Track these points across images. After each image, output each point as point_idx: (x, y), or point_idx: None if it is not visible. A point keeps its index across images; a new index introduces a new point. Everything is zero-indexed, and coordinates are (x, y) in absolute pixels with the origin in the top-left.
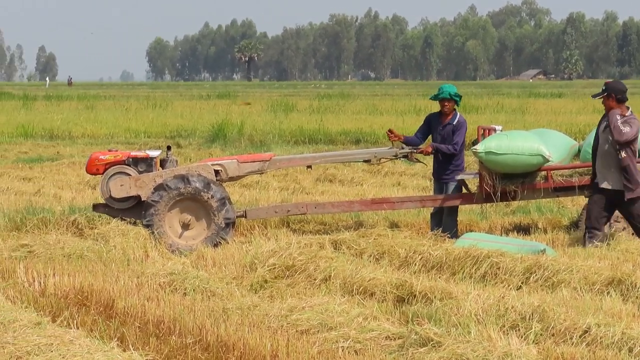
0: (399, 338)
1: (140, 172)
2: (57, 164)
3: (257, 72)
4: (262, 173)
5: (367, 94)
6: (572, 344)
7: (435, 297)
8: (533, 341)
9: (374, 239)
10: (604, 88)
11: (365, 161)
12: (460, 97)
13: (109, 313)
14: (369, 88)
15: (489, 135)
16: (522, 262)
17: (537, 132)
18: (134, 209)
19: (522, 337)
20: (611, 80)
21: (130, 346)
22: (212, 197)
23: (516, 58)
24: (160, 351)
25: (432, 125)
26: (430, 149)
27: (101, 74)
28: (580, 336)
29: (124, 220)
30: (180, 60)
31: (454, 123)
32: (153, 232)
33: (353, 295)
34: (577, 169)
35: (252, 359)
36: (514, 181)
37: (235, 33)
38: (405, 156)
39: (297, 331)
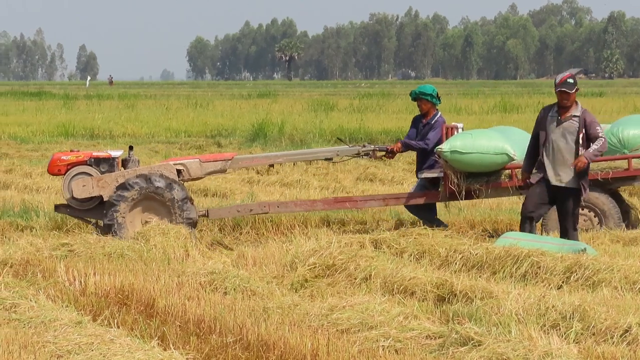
0: (439, 337)
1: (102, 173)
2: None
3: (298, 72)
4: (225, 172)
5: (407, 93)
6: (612, 344)
7: (475, 296)
8: (573, 340)
9: (414, 238)
10: (572, 82)
11: (326, 159)
12: (432, 96)
13: (150, 312)
14: (409, 87)
15: (452, 134)
16: (562, 262)
17: (499, 130)
18: (96, 210)
19: (562, 336)
20: (569, 74)
21: (171, 345)
22: (174, 196)
23: (557, 57)
24: (200, 350)
25: (416, 124)
26: (400, 145)
27: (142, 73)
28: (620, 335)
29: (87, 221)
30: (220, 59)
31: (432, 122)
32: (114, 232)
33: (393, 295)
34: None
35: (292, 358)
36: (478, 180)
37: (276, 32)
38: (368, 154)
39: (337, 330)
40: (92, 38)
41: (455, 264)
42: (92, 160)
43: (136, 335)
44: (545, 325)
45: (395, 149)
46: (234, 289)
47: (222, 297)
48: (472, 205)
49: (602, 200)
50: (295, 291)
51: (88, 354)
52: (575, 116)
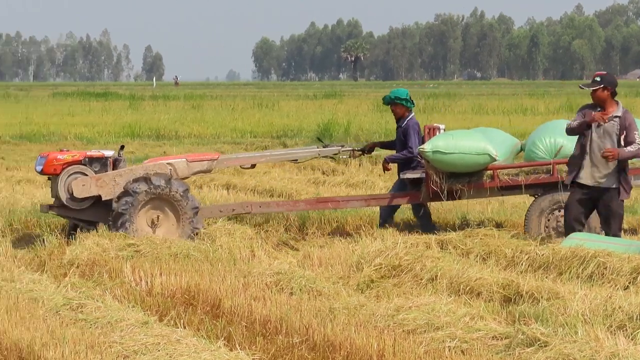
0: (505, 338)
1: (95, 172)
2: None
3: (363, 72)
4: (210, 172)
5: (473, 93)
6: None
7: (542, 297)
8: None
9: (480, 238)
10: (598, 80)
11: (292, 161)
12: (404, 99)
13: (216, 312)
14: (475, 87)
15: (433, 134)
16: (629, 262)
17: (479, 131)
18: (89, 210)
19: (629, 337)
20: (604, 72)
21: (237, 346)
22: (177, 191)
23: (623, 57)
24: (266, 351)
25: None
26: (387, 166)
27: (207, 74)
28: None
29: (80, 221)
30: (286, 59)
31: (403, 125)
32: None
33: (460, 295)
34: (522, 168)
35: (358, 359)
36: (460, 180)
37: (342, 33)
38: (348, 154)
39: (403, 331)
40: (158, 39)
41: (522, 264)
42: (87, 159)
43: (202, 335)
44: (611, 326)
45: (384, 169)
46: (300, 290)
47: (288, 297)
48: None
49: None
50: (362, 292)
51: (154, 354)
52: (616, 117)
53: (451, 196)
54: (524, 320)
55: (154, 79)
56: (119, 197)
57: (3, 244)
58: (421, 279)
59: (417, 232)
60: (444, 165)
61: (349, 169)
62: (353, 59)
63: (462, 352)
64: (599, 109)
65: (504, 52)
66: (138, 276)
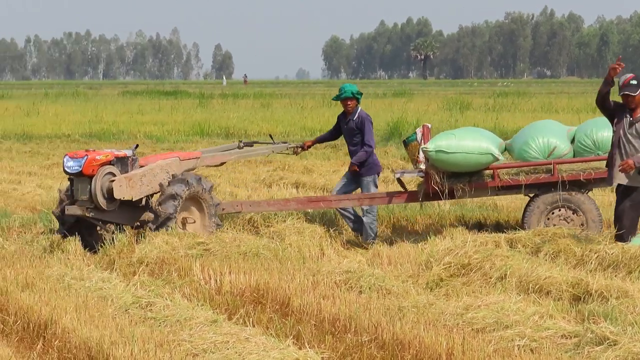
0: (574, 337)
1: (120, 172)
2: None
3: (433, 71)
4: (194, 169)
5: (543, 91)
6: None
7: (611, 295)
8: None
9: (550, 237)
10: (635, 83)
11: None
12: (361, 94)
13: (285, 311)
14: (544, 86)
15: (428, 133)
16: None
17: (467, 130)
18: (116, 211)
19: None
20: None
21: (306, 344)
22: (205, 189)
23: None
24: (335, 349)
25: (339, 122)
26: (355, 168)
27: (277, 72)
28: None
29: (105, 223)
30: (356, 58)
31: (355, 119)
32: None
33: (529, 294)
34: (522, 168)
35: (427, 357)
36: (461, 180)
37: (411, 31)
38: (294, 150)
39: (472, 329)
40: (228, 37)
41: (591, 263)
42: (115, 159)
43: (271, 334)
44: None
45: (352, 170)
46: (369, 288)
47: (357, 296)
48: (609, 204)
49: (583, 201)
50: (431, 290)
51: (223, 352)
52: None
53: (451, 195)
54: (593, 319)
55: (224, 77)
56: (163, 201)
57: (72, 242)
58: (490, 278)
59: (486, 231)
60: (446, 164)
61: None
62: (422, 57)
63: (531, 350)
64: (627, 110)
65: (573, 50)
66: (207, 274)
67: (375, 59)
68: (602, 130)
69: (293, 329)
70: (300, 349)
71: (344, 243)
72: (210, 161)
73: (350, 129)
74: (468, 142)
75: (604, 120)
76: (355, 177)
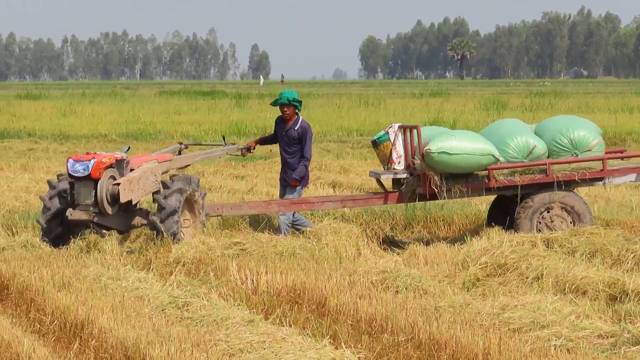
0: (611, 337)
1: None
2: (269, 161)
3: (470, 70)
4: (167, 172)
5: (580, 91)
6: None
7: None
8: None
9: (586, 237)
10: None
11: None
12: (300, 102)
13: (321, 311)
14: (581, 86)
15: (412, 135)
16: None
17: (464, 131)
18: (114, 216)
19: None
20: None
21: (343, 344)
22: (200, 192)
23: None
24: (372, 349)
25: (276, 128)
26: (296, 182)
27: (314, 72)
28: None
29: (103, 228)
30: (392, 58)
31: (296, 128)
32: (177, 240)
33: (565, 294)
34: (517, 169)
35: (464, 357)
36: (458, 180)
37: (448, 31)
38: (241, 152)
39: (509, 329)
40: (265, 37)
41: (628, 263)
42: (116, 162)
43: (308, 334)
44: None
45: (293, 185)
46: (406, 288)
47: (393, 295)
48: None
49: (575, 201)
50: (467, 290)
51: (260, 352)
52: None
53: (434, 197)
54: (630, 319)
55: (261, 78)
56: (169, 195)
57: (109, 242)
58: (527, 278)
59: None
60: (446, 166)
61: None
62: (459, 57)
63: (568, 350)
64: None
65: (610, 50)
66: (244, 274)
67: (412, 59)
68: (578, 130)
69: (330, 329)
70: (336, 348)
71: (380, 243)
72: (179, 163)
73: (290, 138)
74: (470, 144)
75: (570, 119)
76: (286, 184)
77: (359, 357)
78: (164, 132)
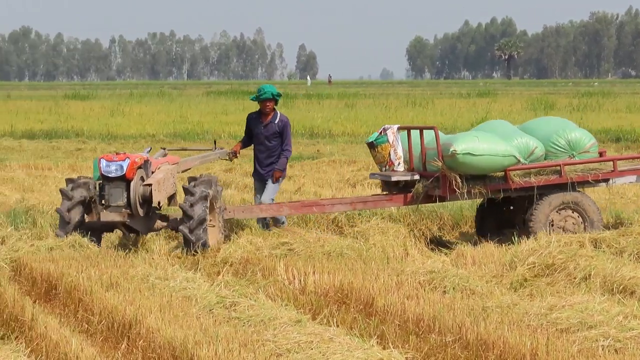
0: None
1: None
2: (317, 162)
3: (517, 70)
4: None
5: (628, 92)
6: None
7: None
8: None
9: (634, 237)
10: None
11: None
12: (280, 96)
13: (369, 311)
14: (629, 86)
15: (396, 137)
16: None
17: (482, 132)
18: (141, 218)
19: None
20: None
21: (390, 344)
22: (219, 192)
23: None
24: (419, 349)
25: (251, 125)
26: (280, 174)
27: (361, 73)
28: None
29: (129, 230)
30: (440, 58)
31: (276, 122)
32: (207, 247)
33: (613, 294)
34: (531, 170)
35: (511, 358)
36: (478, 182)
37: (495, 31)
38: (229, 157)
39: (556, 330)
40: (312, 37)
41: None
42: (143, 163)
43: (355, 334)
44: None
45: (275, 180)
46: (453, 288)
47: (441, 296)
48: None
49: (586, 201)
50: (515, 290)
51: (307, 352)
52: None
53: (443, 199)
54: None
55: (309, 78)
56: (196, 202)
57: (157, 242)
58: (574, 278)
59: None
60: (469, 167)
61: None
62: (507, 57)
63: (616, 351)
64: None
65: None
66: (291, 274)
67: (459, 59)
68: (574, 131)
69: (377, 329)
70: (384, 349)
71: (428, 243)
72: (184, 167)
73: (271, 132)
74: (492, 145)
75: (557, 120)
76: (264, 180)
77: (406, 358)
78: (211, 132)
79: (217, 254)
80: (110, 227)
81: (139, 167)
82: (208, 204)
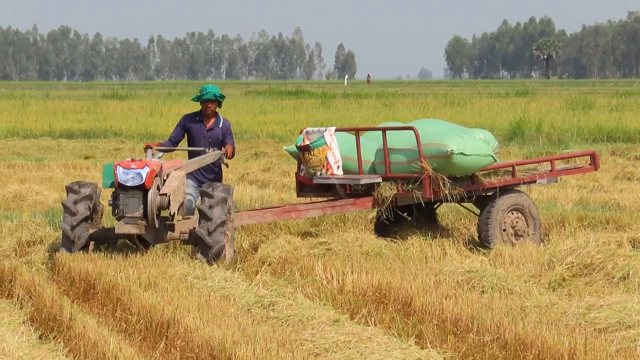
0: None
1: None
2: None
3: (556, 70)
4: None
5: None
6: None
7: None
8: None
9: None
10: None
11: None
12: (223, 97)
13: (407, 311)
14: None
15: (310, 138)
16: None
17: (456, 128)
18: (153, 229)
19: None
20: None
21: (428, 344)
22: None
23: None
24: (457, 349)
25: (191, 128)
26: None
27: (399, 72)
28: None
29: (142, 243)
30: (478, 57)
31: (220, 126)
32: (222, 255)
33: None
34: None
35: (549, 357)
36: (459, 183)
37: (534, 30)
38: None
39: (595, 329)
40: (350, 37)
41: None
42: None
43: (393, 333)
44: None
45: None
46: (492, 288)
47: (479, 295)
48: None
49: (529, 202)
50: (553, 290)
51: (345, 352)
52: None
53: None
54: None
55: (346, 78)
56: (214, 204)
57: None
58: (613, 278)
59: (608, 231)
60: (457, 168)
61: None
62: (545, 57)
63: None
64: None
65: None
66: (329, 274)
67: (497, 59)
68: (479, 132)
69: (415, 329)
70: (422, 348)
71: (466, 243)
72: (185, 170)
73: (214, 137)
74: (477, 144)
75: (441, 121)
76: (200, 182)
77: (444, 357)
78: (250, 131)
79: (256, 254)
80: (114, 237)
81: (156, 175)
82: (227, 208)
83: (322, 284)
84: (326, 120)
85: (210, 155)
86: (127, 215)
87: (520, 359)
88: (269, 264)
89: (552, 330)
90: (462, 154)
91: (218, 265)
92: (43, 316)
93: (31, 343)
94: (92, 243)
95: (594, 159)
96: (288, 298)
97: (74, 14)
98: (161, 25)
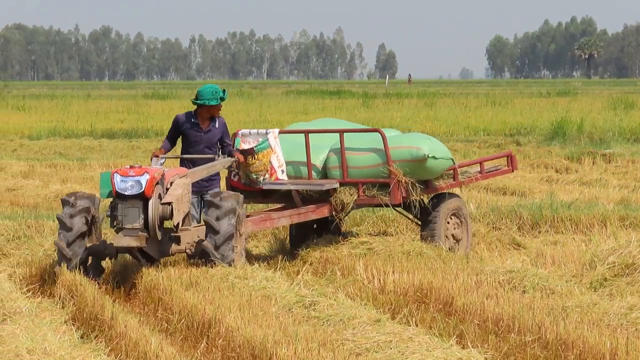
0: None
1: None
2: None
3: (597, 70)
4: None
5: None
6: None
7: None
8: None
9: None
10: None
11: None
12: (226, 95)
13: (448, 310)
14: None
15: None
16: None
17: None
18: (155, 241)
19: None
20: None
21: (469, 343)
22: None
23: None
24: (498, 349)
25: (187, 130)
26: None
27: (440, 72)
28: None
29: (142, 257)
30: (519, 57)
31: (217, 126)
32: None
33: None
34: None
35: (591, 358)
36: (422, 186)
37: (575, 30)
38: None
39: (636, 330)
40: (391, 36)
41: None
42: (161, 178)
43: (434, 333)
44: None
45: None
46: (533, 288)
47: (520, 295)
48: None
49: (463, 205)
50: (594, 290)
51: (386, 351)
52: None
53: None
54: None
55: (387, 78)
56: (221, 216)
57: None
58: None
59: None
60: (426, 171)
61: (582, 167)
62: (587, 56)
63: None
64: None
65: None
66: (370, 274)
67: (539, 58)
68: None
69: (456, 329)
70: (463, 348)
71: (507, 243)
72: (192, 178)
73: (212, 138)
74: (441, 147)
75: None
76: (200, 193)
77: (485, 357)
78: None
79: (297, 254)
80: (113, 251)
81: (157, 183)
82: (235, 220)
83: (363, 283)
84: (367, 120)
85: (221, 163)
86: (126, 226)
87: (562, 359)
88: (310, 264)
89: (594, 330)
90: (434, 157)
91: (259, 265)
92: (85, 316)
93: (73, 342)
94: (90, 258)
95: (511, 160)
96: (329, 298)
97: (116, 14)
98: (202, 25)
